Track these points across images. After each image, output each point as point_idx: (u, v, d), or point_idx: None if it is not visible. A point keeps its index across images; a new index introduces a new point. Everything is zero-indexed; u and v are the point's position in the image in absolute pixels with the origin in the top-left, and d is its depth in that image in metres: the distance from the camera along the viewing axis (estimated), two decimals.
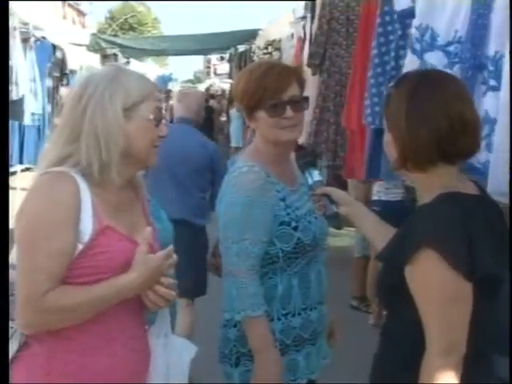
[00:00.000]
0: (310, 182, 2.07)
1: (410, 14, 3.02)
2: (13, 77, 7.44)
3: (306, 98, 2.20)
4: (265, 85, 2.09)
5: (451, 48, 2.73)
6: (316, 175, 2.07)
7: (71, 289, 1.61)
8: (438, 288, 1.49)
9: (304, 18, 7.10)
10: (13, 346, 1.66)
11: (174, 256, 1.76)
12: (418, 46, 2.82)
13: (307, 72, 5.45)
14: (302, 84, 2.18)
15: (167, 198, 3.46)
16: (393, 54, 3.36)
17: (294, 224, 2.11)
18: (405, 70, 2.82)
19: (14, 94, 7.42)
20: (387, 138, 1.68)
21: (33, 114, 7.93)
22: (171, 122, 4.50)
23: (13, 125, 7.67)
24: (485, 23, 2.56)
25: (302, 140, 5.61)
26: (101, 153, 1.64)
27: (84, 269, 1.63)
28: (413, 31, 2.86)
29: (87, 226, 1.62)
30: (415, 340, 1.55)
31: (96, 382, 1.65)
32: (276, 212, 2.10)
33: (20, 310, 1.60)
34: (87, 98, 1.66)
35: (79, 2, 35.50)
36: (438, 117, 1.56)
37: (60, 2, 29.32)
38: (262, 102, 2.10)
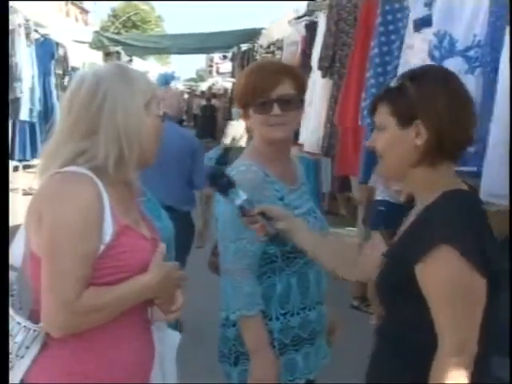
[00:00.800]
0: (239, 202, 1.90)
1: (426, 21, 3.02)
2: (17, 74, 7.45)
3: (301, 99, 2.19)
4: (254, 83, 2.12)
5: (471, 53, 2.74)
6: (241, 194, 1.91)
7: (100, 290, 1.61)
8: (454, 285, 1.48)
9: (303, 16, 7.10)
10: (34, 349, 1.65)
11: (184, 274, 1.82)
12: (437, 53, 2.82)
13: (316, 74, 5.45)
14: (297, 83, 2.16)
15: (154, 187, 3.47)
16: (396, 53, 3.35)
17: None
18: None
19: (18, 91, 7.43)
20: (394, 134, 1.62)
21: (30, 109, 7.92)
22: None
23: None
24: (504, 24, 2.55)
25: (315, 141, 5.61)
26: (122, 147, 1.64)
27: (106, 269, 1.62)
28: (431, 38, 2.86)
29: (108, 227, 1.62)
30: (418, 340, 1.55)
31: (116, 378, 1.67)
32: None
33: (53, 314, 1.58)
34: (103, 94, 1.65)
35: (82, 0, 35.52)
36: (471, 109, 1.61)
37: (63, 0, 29.36)
38: (251, 100, 2.13)
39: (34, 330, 1.64)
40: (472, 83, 2.70)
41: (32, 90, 7.95)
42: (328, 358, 2.33)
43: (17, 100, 7.48)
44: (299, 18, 7.52)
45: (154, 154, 1.77)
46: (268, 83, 2.10)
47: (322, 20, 6.08)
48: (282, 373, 2.11)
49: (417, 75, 1.63)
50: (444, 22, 2.84)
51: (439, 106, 1.56)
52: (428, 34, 3.01)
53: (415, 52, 3.13)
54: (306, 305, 2.17)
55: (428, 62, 2.85)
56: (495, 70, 2.58)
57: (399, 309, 1.62)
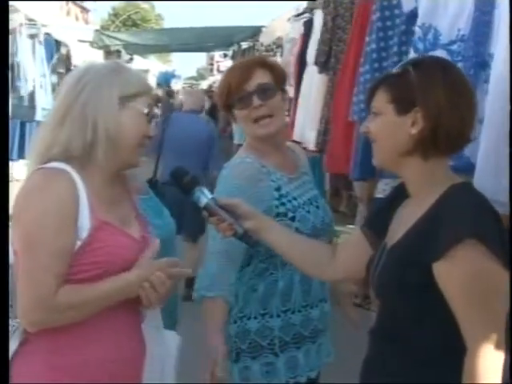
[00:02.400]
0: (205, 200, 1.78)
1: (415, 14, 3.03)
2: (21, 73, 7.45)
3: (281, 87, 2.18)
4: (229, 81, 2.14)
5: (454, 47, 2.73)
6: (207, 192, 1.80)
7: (79, 287, 1.62)
8: (482, 279, 1.42)
9: (303, 14, 7.10)
10: (12, 345, 1.66)
11: (186, 270, 1.80)
12: (421, 46, 2.82)
13: (312, 69, 5.45)
14: (273, 73, 2.16)
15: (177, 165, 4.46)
16: (394, 49, 3.36)
17: (290, 214, 2.10)
18: None
19: (22, 91, 7.43)
20: (390, 119, 1.57)
21: (43, 109, 7.92)
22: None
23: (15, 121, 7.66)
24: (488, 20, 2.54)
25: (311, 138, 5.60)
26: (86, 133, 1.64)
27: (83, 265, 1.63)
28: (416, 30, 2.87)
29: (85, 222, 1.62)
30: (425, 340, 1.51)
31: (98, 374, 1.66)
32: (269, 203, 2.08)
33: (28, 310, 1.60)
34: (83, 85, 1.67)
35: (83, 0, 35.53)
36: (472, 103, 1.57)
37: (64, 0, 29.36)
38: (230, 99, 2.14)
39: (13, 326, 1.65)
40: None
41: (45, 89, 7.95)
42: (332, 356, 2.32)
43: (22, 99, 7.47)
44: (298, 15, 7.53)
45: (136, 152, 1.73)
46: (242, 77, 2.11)
47: (318, 17, 6.09)
48: (282, 370, 2.11)
49: (419, 63, 1.59)
50: (429, 15, 2.84)
51: (439, 96, 1.51)
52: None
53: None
54: (308, 302, 2.16)
55: (412, 54, 2.87)
56: (477, 64, 2.58)
57: (403, 308, 1.56)
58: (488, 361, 1.41)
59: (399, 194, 1.71)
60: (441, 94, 1.51)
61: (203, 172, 5.33)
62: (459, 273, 1.42)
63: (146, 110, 1.71)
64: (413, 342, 1.54)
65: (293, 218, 2.10)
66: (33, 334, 1.65)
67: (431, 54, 2.75)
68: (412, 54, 2.86)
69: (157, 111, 1.80)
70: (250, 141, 2.21)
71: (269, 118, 2.12)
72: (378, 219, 1.76)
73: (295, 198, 2.15)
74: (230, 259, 2.06)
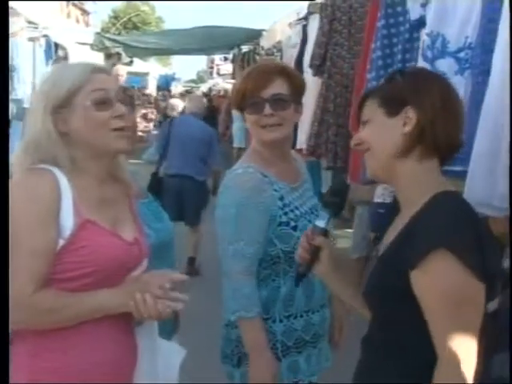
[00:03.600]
0: (323, 225, 1.70)
1: (423, 22, 3.05)
2: (20, 75, 7.47)
3: (296, 99, 2.18)
4: (246, 84, 2.14)
5: (462, 54, 2.75)
6: (326, 220, 1.71)
7: (58, 294, 1.61)
8: (453, 290, 1.40)
9: (304, 19, 7.10)
10: None
11: (181, 276, 1.74)
12: (429, 54, 2.84)
13: (307, 72, 5.44)
14: (291, 83, 2.15)
15: (180, 162, 6.17)
16: (398, 56, 3.37)
17: (292, 224, 2.11)
18: None
19: (20, 92, 7.46)
20: (381, 123, 1.55)
21: None
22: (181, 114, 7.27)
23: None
24: (495, 28, 2.56)
25: (302, 141, 5.61)
26: (48, 150, 1.65)
27: (67, 264, 1.62)
28: (424, 38, 2.87)
29: (68, 221, 1.61)
30: (411, 347, 1.49)
31: (81, 379, 1.65)
32: (273, 212, 2.10)
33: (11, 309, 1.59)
34: (32, 102, 1.73)
35: (83, 1, 35.53)
36: (461, 109, 1.57)
37: (64, 1, 29.38)
38: (244, 101, 2.14)
39: None
40: (461, 84, 2.72)
41: None
42: (330, 361, 2.33)
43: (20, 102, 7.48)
44: (300, 20, 7.53)
45: (110, 139, 1.68)
46: (260, 83, 2.11)
47: (315, 20, 6.11)
48: (284, 375, 2.12)
49: (407, 70, 1.59)
50: (437, 23, 2.86)
51: (432, 92, 1.51)
52: (423, 34, 3.04)
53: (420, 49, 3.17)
54: (310, 308, 2.18)
55: (421, 61, 2.88)
56: (484, 72, 2.59)
57: (391, 315, 1.55)
58: (454, 372, 1.40)
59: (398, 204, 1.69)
60: (433, 91, 1.51)
61: (204, 166, 6.33)
62: (430, 283, 1.41)
63: (88, 102, 1.65)
64: (399, 350, 1.53)
65: (295, 228, 2.11)
66: (16, 336, 1.65)
67: (439, 61, 2.77)
68: (421, 62, 2.87)
69: (112, 92, 1.69)
70: (256, 145, 2.22)
71: (277, 126, 2.12)
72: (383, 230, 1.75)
73: (297, 208, 2.16)
74: (252, 274, 2.08)
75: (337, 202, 1.74)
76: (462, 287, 1.40)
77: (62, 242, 1.61)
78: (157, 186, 5.72)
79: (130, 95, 2.25)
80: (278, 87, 2.12)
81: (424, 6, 3.07)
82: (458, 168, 2.62)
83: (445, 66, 2.78)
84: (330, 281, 1.77)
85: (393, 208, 1.78)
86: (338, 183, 1.74)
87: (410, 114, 1.51)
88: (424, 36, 2.91)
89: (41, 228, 1.58)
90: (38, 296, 1.59)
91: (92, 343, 1.67)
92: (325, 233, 1.69)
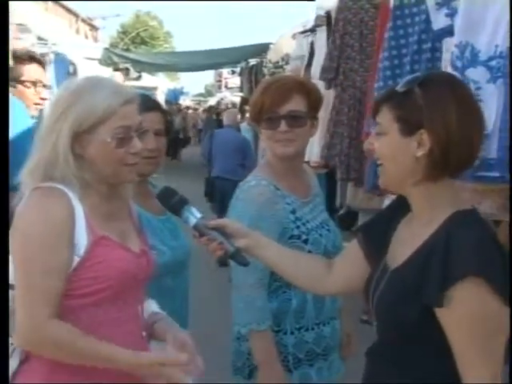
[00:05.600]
0: (194, 221, 1.71)
1: (448, 32, 3.06)
2: None
3: (313, 115, 2.18)
4: (264, 99, 2.13)
5: (493, 63, 2.77)
6: (196, 212, 1.73)
7: (72, 330, 1.60)
8: (486, 321, 1.37)
9: (310, 31, 7.14)
10: (13, 363, 1.65)
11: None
12: (459, 63, 2.84)
13: (320, 85, 5.48)
14: (309, 100, 2.15)
15: (222, 167, 7.54)
16: (407, 67, 3.39)
17: (304, 237, 2.12)
18: None
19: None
20: (395, 141, 1.51)
21: None
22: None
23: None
24: None
25: (316, 153, 5.63)
26: (55, 165, 1.65)
27: (82, 281, 1.63)
28: (453, 49, 2.89)
29: (82, 239, 1.62)
30: (430, 368, 1.47)
31: None
32: (285, 225, 2.10)
33: (20, 330, 1.59)
34: (53, 117, 1.67)
35: (92, 17, 35.84)
36: (481, 121, 1.52)
37: (74, 17, 29.67)
38: (261, 116, 2.14)
39: (12, 344, 1.65)
40: (494, 93, 2.74)
41: None
42: (341, 372, 2.33)
43: (41, 117, 7.55)
44: (304, 32, 7.57)
45: (122, 173, 1.70)
46: (277, 99, 2.11)
47: (322, 34, 6.15)
48: None
49: (425, 81, 1.51)
50: (465, 33, 2.86)
51: (448, 117, 1.45)
52: (450, 44, 3.05)
53: (445, 65, 3.18)
54: (320, 320, 2.18)
55: (450, 71, 2.86)
56: None
57: (404, 337, 1.50)
58: None
59: (401, 206, 1.65)
60: (449, 115, 1.46)
61: (241, 169, 7.30)
62: (462, 313, 1.38)
63: (109, 139, 1.65)
64: (409, 369, 1.50)
65: (306, 241, 2.11)
66: (33, 356, 1.65)
67: (470, 70, 2.79)
68: (450, 71, 2.88)
69: (132, 127, 1.69)
70: (270, 158, 2.23)
71: (292, 141, 2.13)
72: (376, 231, 1.71)
73: (308, 222, 2.17)
74: (264, 286, 2.09)
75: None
76: (494, 316, 1.38)
77: (77, 259, 1.62)
78: (210, 188, 7.68)
79: (166, 124, 2.27)
80: (296, 104, 2.12)
81: (449, 16, 3.09)
82: (494, 174, 2.65)
83: (476, 74, 2.79)
84: (261, 253, 1.78)
85: (387, 213, 1.74)
86: None
87: (425, 138, 1.46)
88: (452, 47, 2.92)
89: (56, 249, 1.59)
90: (53, 324, 1.58)
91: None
92: (199, 226, 1.71)
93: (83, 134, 1.65)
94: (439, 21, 3.18)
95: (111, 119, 1.65)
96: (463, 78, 2.75)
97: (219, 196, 7.37)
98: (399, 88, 1.52)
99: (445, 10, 3.13)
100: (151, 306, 1.90)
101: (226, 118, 8.55)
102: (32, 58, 3.59)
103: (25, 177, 1.69)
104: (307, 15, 8.24)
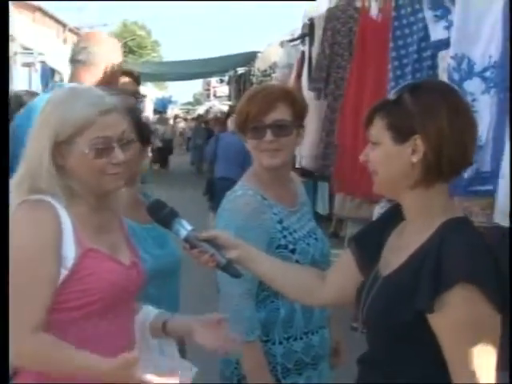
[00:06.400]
0: (184, 233, 1.70)
1: (446, 44, 3.09)
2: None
3: (299, 123, 2.17)
4: (249, 108, 2.12)
5: (487, 73, 2.80)
6: (186, 224, 1.72)
7: (56, 342, 1.58)
8: (478, 327, 1.38)
9: (298, 39, 7.17)
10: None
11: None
12: (456, 76, 2.87)
13: (309, 95, 5.48)
14: (294, 109, 2.14)
15: (224, 168, 7.74)
16: (409, 76, 3.43)
17: (291, 247, 2.11)
18: None
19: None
20: (388, 149, 1.51)
21: None
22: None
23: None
24: None
25: (307, 163, 5.64)
26: (38, 175, 1.63)
27: (71, 294, 1.62)
28: (449, 61, 2.91)
29: (70, 251, 1.61)
30: (421, 375, 1.47)
31: None
32: (272, 235, 2.09)
33: (11, 341, 1.57)
34: (34, 127, 1.67)
35: (80, 26, 35.81)
36: (473, 123, 1.52)
37: (61, 27, 29.65)
38: (246, 125, 2.13)
39: None
40: (487, 104, 2.76)
41: None
42: (331, 381, 2.31)
43: None
44: (292, 40, 7.60)
45: (104, 183, 1.68)
46: (262, 108, 2.10)
47: (307, 44, 6.18)
48: None
49: (416, 88, 1.52)
50: (461, 45, 2.89)
51: (440, 121, 1.46)
52: (445, 55, 3.08)
53: (440, 73, 3.23)
54: (309, 329, 2.16)
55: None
56: (506, 89, 2.65)
57: (396, 345, 1.51)
58: None
59: (393, 216, 1.66)
60: (441, 119, 1.46)
61: (242, 170, 7.41)
62: (453, 319, 1.39)
63: (86, 150, 1.62)
64: (401, 375, 1.50)
65: (293, 251, 2.10)
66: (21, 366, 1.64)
67: (467, 82, 2.81)
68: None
69: (113, 137, 1.66)
70: (257, 168, 2.22)
71: (277, 151, 2.12)
72: (369, 240, 1.70)
73: (295, 231, 2.16)
74: (252, 297, 2.08)
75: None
76: (486, 322, 1.39)
77: (64, 273, 1.60)
78: (210, 188, 7.99)
79: (145, 130, 2.24)
80: (281, 113, 2.11)
81: (447, 28, 3.12)
82: (488, 187, 2.66)
83: (472, 86, 2.81)
84: (252, 265, 1.79)
85: (380, 223, 1.74)
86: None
87: (419, 143, 1.47)
88: (448, 59, 2.94)
89: (43, 263, 1.58)
90: (37, 337, 1.57)
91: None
92: (189, 238, 1.70)
93: (62, 144, 1.64)
94: (437, 32, 3.21)
95: (89, 130, 1.63)
96: (462, 91, 2.75)
97: (220, 195, 7.50)
98: (390, 96, 1.53)
99: (443, 23, 3.16)
100: (150, 309, 1.89)
101: (230, 124, 9.21)
102: (125, 73, 3.75)
103: (12, 188, 1.67)
104: (295, 24, 8.29)
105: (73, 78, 3.19)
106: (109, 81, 3.12)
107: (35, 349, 1.58)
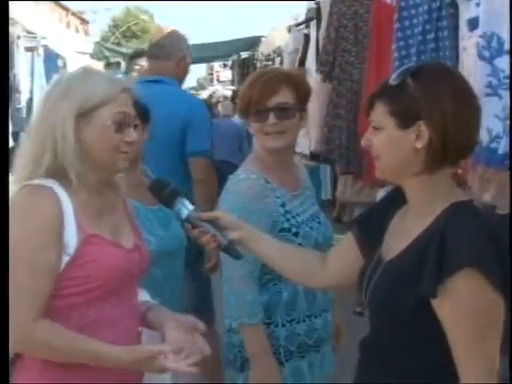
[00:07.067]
0: (187, 213, 1.69)
1: (477, 23, 3.10)
2: (15, 85, 7.49)
3: (302, 107, 2.17)
4: (252, 92, 2.13)
5: None
6: (188, 204, 1.71)
7: (61, 329, 1.58)
8: (482, 313, 1.37)
9: (304, 23, 7.12)
10: None
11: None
12: (486, 54, 2.87)
13: (316, 78, 5.46)
14: (297, 92, 2.14)
15: (221, 151, 7.41)
16: (413, 58, 3.42)
17: (294, 230, 2.11)
18: (475, 77, 2.88)
19: (16, 103, 7.47)
20: (392, 135, 1.48)
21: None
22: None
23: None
24: None
25: (313, 147, 5.63)
26: (55, 157, 1.62)
27: (72, 280, 1.61)
28: (478, 40, 2.93)
29: (71, 238, 1.60)
30: (424, 361, 1.47)
31: None
32: (275, 218, 2.10)
33: (11, 329, 1.57)
34: (47, 102, 1.66)
35: (83, 10, 35.71)
36: (477, 107, 1.50)
37: (64, 11, 29.55)
38: (249, 109, 2.14)
39: None
40: None
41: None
42: (333, 365, 2.32)
43: (29, 111, 7.52)
44: (298, 25, 7.54)
45: (116, 160, 1.68)
46: (265, 92, 2.10)
47: (313, 27, 6.14)
48: (287, 380, 2.11)
49: (419, 72, 1.48)
50: (489, 24, 2.91)
51: (445, 106, 1.43)
52: (476, 35, 3.09)
53: (468, 54, 3.20)
54: (312, 312, 2.17)
55: (478, 62, 2.92)
56: None
57: (399, 329, 1.50)
58: None
59: (395, 199, 1.65)
60: (446, 104, 1.43)
61: (239, 152, 8.23)
62: (457, 304, 1.38)
63: (109, 122, 1.64)
64: (403, 360, 1.50)
65: (296, 234, 2.11)
66: (20, 366, 1.64)
67: (498, 60, 2.83)
68: (478, 63, 2.93)
69: (131, 114, 1.70)
70: (260, 152, 2.22)
71: (281, 133, 2.12)
72: (371, 223, 1.69)
73: (298, 215, 2.16)
74: (255, 280, 2.08)
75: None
76: (490, 308, 1.38)
77: (66, 259, 1.60)
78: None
79: (145, 112, 2.22)
80: (284, 96, 2.11)
81: (478, 5, 3.12)
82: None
83: (503, 63, 2.83)
84: (255, 246, 1.77)
85: (381, 205, 1.73)
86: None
87: (423, 129, 1.45)
88: (476, 38, 2.96)
89: (44, 249, 1.57)
90: (40, 325, 1.57)
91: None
92: (191, 218, 1.69)
93: (82, 117, 1.63)
94: (470, 10, 3.21)
95: (111, 103, 1.65)
96: (492, 68, 2.80)
97: (220, 176, 7.74)
98: (392, 81, 1.49)
99: (475, 0, 3.16)
100: (142, 296, 1.88)
101: (222, 109, 9.74)
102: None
103: (15, 173, 1.66)
104: (299, 8, 8.24)
105: (148, 72, 3.43)
106: (181, 74, 3.37)
107: (44, 337, 1.57)
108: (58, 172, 1.63)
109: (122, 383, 1.68)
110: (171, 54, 3.29)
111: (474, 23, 3.16)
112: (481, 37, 2.91)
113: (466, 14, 3.25)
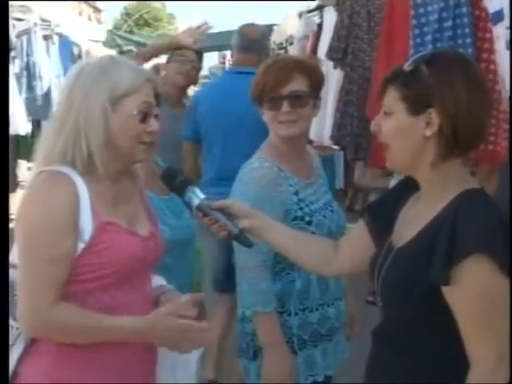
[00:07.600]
0: (198, 201, 1.70)
1: (501, 16, 3.13)
2: (36, 73, 7.52)
3: (315, 95, 2.17)
4: (265, 79, 2.12)
5: None
6: (199, 192, 1.72)
7: (78, 310, 1.60)
8: (492, 298, 1.38)
9: (316, 10, 7.08)
10: (18, 347, 1.65)
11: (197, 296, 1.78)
12: None
13: (327, 65, 5.45)
14: (311, 80, 2.14)
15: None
16: (429, 46, 3.41)
17: (307, 218, 2.11)
18: (503, 67, 2.95)
19: (38, 89, 7.51)
20: (402, 120, 1.48)
21: None
22: None
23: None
24: None
25: (326, 134, 5.62)
26: (81, 144, 1.62)
27: (86, 266, 1.61)
28: (505, 32, 3.04)
29: (87, 224, 1.60)
30: (435, 347, 1.47)
31: (107, 376, 1.65)
32: (288, 207, 2.10)
33: (24, 318, 1.59)
34: (75, 91, 1.65)
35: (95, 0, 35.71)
36: (489, 97, 1.52)
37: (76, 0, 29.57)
38: (263, 97, 2.14)
39: (17, 328, 1.65)
40: None
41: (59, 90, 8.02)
42: (346, 353, 2.33)
43: (47, 99, 7.55)
44: (310, 11, 7.50)
45: (137, 150, 1.69)
46: (279, 79, 2.10)
47: (329, 13, 6.09)
48: (300, 368, 2.12)
49: (433, 59, 1.47)
50: None
51: (458, 94, 1.42)
52: (501, 27, 3.15)
53: (501, 41, 3.23)
54: (325, 301, 2.18)
55: (508, 53, 3.03)
56: None
57: (411, 316, 1.51)
58: (489, 378, 1.38)
59: (408, 185, 1.64)
60: (459, 93, 1.43)
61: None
62: (468, 291, 1.38)
63: (135, 111, 1.65)
64: (414, 347, 1.51)
65: (309, 223, 2.11)
66: (34, 351, 1.65)
67: None
68: (508, 53, 2.99)
69: (153, 104, 1.71)
70: (273, 139, 2.21)
71: (295, 122, 2.12)
72: (383, 211, 1.69)
73: (312, 203, 2.16)
74: (268, 268, 2.08)
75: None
76: (500, 293, 1.38)
77: (81, 245, 1.60)
78: None
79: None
80: (298, 84, 2.11)
81: None
82: None
83: None
84: (267, 234, 1.78)
85: (393, 193, 1.73)
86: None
87: (433, 117, 1.44)
88: (502, 29, 3.06)
89: (60, 236, 1.57)
90: (57, 308, 1.58)
91: (114, 351, 1.66)
92: (202, 207, 1.70)
93: (110, 105, 1.63)
94: (493, 5, 3.22)
95: (137, 93, 1.66)
96: None
97: None
98: (406, 67, 1.49)
99: None
100: (157, 280, 1.90)
101: None
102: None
103: (36, 159, 1.67)
104: None
105: (235, 64, 3.84)
106: None
107: (61, 319, 1.59)
108: (81, 159, 1.63)
109: (134, 371, 1.70)
110: (262, 49, 3.70)
111: (498, 16, 3.16)
112: (507, 28, 3.00)
113: (492, 7, 3.26)
